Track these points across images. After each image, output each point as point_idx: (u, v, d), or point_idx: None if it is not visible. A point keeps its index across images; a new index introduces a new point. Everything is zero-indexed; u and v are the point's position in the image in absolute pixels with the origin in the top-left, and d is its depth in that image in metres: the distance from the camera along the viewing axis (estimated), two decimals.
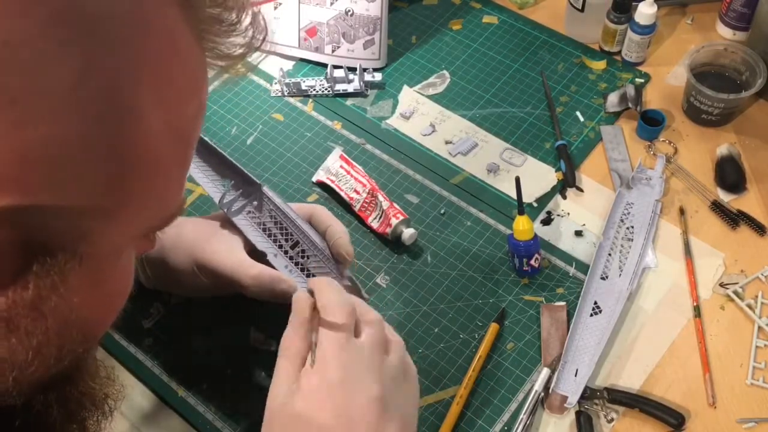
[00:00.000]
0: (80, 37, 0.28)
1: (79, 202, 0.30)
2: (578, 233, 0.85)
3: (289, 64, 1.04)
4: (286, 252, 0.71)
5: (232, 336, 0.78)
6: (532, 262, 0.79)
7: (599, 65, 0.99)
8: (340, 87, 0.98)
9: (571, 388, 0.72)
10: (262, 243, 0.71)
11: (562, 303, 0.79)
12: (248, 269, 0.69)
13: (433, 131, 0.95)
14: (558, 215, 0.86)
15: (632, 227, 0.84)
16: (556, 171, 0.90)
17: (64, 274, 0.32)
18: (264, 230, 0.72)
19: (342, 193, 0.87)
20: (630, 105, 0.93)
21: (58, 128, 0.28)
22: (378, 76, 0.99)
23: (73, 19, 0.28)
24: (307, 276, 0.71)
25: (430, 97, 0.98)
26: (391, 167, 0.91)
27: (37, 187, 0.29)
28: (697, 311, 0.78)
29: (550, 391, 0.73)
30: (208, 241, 0.72)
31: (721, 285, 0.80)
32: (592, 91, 0.97)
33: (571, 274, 0.81)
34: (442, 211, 0.87)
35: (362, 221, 0.86)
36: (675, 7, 1.05)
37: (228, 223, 0.73)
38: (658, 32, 0.98)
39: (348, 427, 0.53)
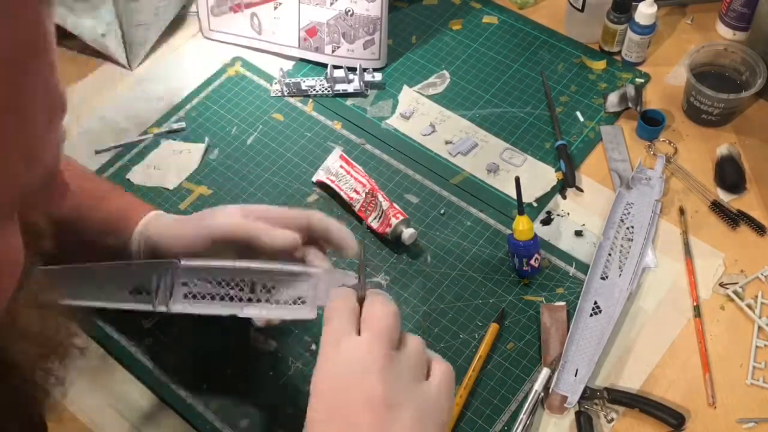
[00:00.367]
0: None
1: None
2: (578, 233, 0.85)
3: (289, 64, 1.04)
4: (249, 299, 0.65)
5: (232, 336, 0.78)
6: (532, 262, 0.79)
7: (599, 65, 0.99)
8: (340, 87, 0.98)
9: (571, 388, 0.72)
10: (221, 309, 0.64)
11: (562, 303, 0.79)
12: (256, 223, 0.67)
13: (433, 131, 0.95)
14: (558, 215, 0.86)
15: (632, 227, 0.84)
16: (556, 171, 0.90)
17: None
18: (212, 298, 0.64)
19: (342, 193, 0.87)
20: (630, 105, 0.93)
21: None
22: (378, 76, 0.99)
23: None
24: (293, 303, 0.67)
25: (430, 97, 0.98)
26: (391, 167, 0.91)
27: None
28: (697, 311, 0.78)
29: (550, 391, 0.73)
30: (206, 216, 0.70)
31: (721, 285, 0.80)
32: (592, 91, 0.97)
33: (571, 274, 0.81)
34: (442, 211, 0.87)
35: (362, 221, 0.86)
36: (675, 7, 1.05)
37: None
38: (658, 32, 0.98)
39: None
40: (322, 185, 0.90)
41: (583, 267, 0.81)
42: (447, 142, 0.93)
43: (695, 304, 0.78)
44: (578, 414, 0.71)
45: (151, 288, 0.62)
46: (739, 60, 0.92)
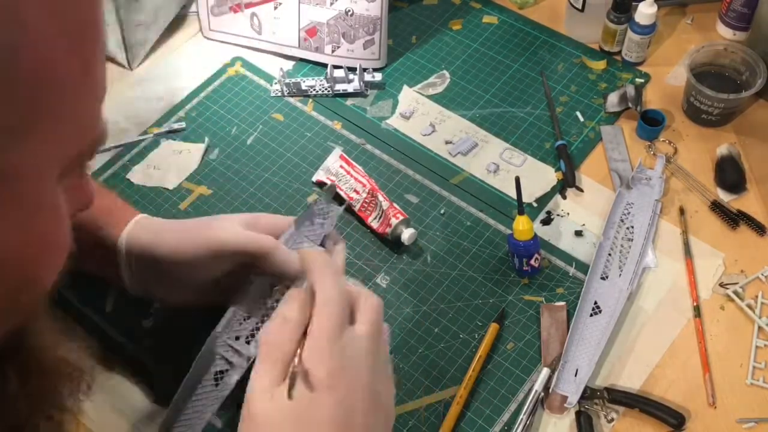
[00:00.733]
0: None
1: None
2: (578, 233, 0.85)
3: (289, 64, 1.04)
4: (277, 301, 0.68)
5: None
6: (532, 262, 0.79)
7: (599, 65, 0.99)
8: (340, 87, 0.98)
9: (571, 388, 0.72)
10: (238, 374, 0.67)
11: (562, 303, 0.79)
12: (263, 238, 0.66)
13: (433, 131, 0.95)
14: (558, 215, 0.86)
15: (632, 227, 0.84)
16: (556, 171, 0.90)
17: None
18: (261, 322, 0.68)
19: (342, 193, 0.87)
20: (630, 105, 0.93)
21: None
22: (378, 76, 0.99)
23: None
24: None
25: (430, 97, 0.98)
26: (391, 167, 0.91)
27: None
28: (697, 311, 0.78)
29: (550, 391, 0.73)
30: (211, 224, 0.70)
31: (721, 285, 0.80)
32: (592, 91, 0.97)
33: (571, 274, 0.81)
34: (442, 211, 0.87)
35: (362, 221, 0.86)
36: (675, 7, 1.05)
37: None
38: (658, 32, 0.98)
39: (345, 421, 0.51)
40: (322, 185, 0.90)
41: (583, 267, 0.81)
42: (447, 142, 0.93)
43: (695, 304, 0.78)
44: (578, 414, 0.71)
45: (221, 366, 0.66)
46: (739, 60, 0.92)
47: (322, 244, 0.69)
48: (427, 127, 0.95)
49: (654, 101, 0.95)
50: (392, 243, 0.84)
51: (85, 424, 0.74)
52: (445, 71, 1.01)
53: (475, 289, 0.81)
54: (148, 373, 0.76)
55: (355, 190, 0.86)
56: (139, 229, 0.72)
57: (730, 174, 0.87)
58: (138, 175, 0.93)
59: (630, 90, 0.94)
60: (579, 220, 0.86)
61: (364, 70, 0.99)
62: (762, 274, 0.80)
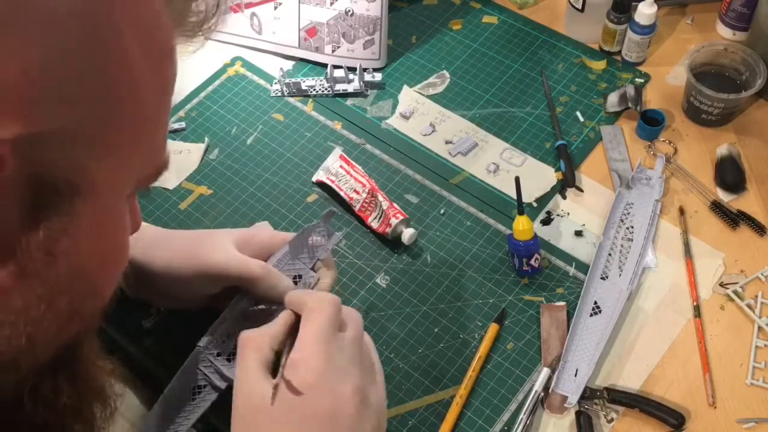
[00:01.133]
0: None
1: (75, 128, 0.33)
2: (578, 233, 0.85)
3: (289, 64, 1.04)
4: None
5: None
6: (532, 262, 0.79)
7: (599, 65, 0.99)
8: (340, 87, 0.98)
9: (571, 388, 0.72)
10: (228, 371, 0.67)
11: (562, 303, 0.79)
12: (252, 262, 0.67)
13: (433, 131, 0.95)
14: (558, 215, 0.86)
15: (632, 227, 0.84)
16: (556, 171, 0.90)
17: (71, 215, 0.34)
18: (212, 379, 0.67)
19: (342, 193, 0.87)
20: (630, 105, 0.93)
21: (49, 50, 0.31)
22: (378, 76, 0.99)
23: None
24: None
25: (430, 97, 0.98)
26: (391, 167, 0.91)
27: (39, 113, 0.31)
28: (697, 311, 0.78)
29: (550, 391, 0.73)
30: (203, 244, 0.70)
31: (721, 285, 0.80)
32: (592, 91, 0.97)
33: (571, 274, 0.81)
34: (442, 211, 0.87)
35: (362, 221, 0.86)
36: (675, 7, 1.05)
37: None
38: (658, 32, 0.98)
39: (332, 419, 0.53)
40: (322, 185, 0.90)
41: (583, 267, 0.81)
42: (447, 142, 0.93)
43: (695, 304, 0.78)
44: (578, 414, 0.71)
45: (201, 381, 0.66)
46: (739, 60, 0.92)
47: (313, 268, 0.69)
48: (427, 127, 0.95)
49: (654, 101, 0.95)
50: (392, 243, 0.84)
51: None
52: (445, 71, 1.01)
53: (475, 289, 0.81)
54: (148, 373, 0.76)
55: (355, 190, 0.86)
56: (134, 241, 0.72)
57: (730, 174, 0.87)
58: None
59: (630, 90, 0.94)
60: (579, 220, 0.86)
61: (364, 70, 0.99)
62: (762, 274, 0.80)
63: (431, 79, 1.00)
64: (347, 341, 0.56)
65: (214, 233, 0.73)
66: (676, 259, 0.82)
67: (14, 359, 0.35)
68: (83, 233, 0.35)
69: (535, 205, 0.87)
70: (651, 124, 0.91)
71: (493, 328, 0.77)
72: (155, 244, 0.72)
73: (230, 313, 0.68)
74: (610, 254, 0.82)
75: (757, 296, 0.78)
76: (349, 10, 0.98)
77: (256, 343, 0.57)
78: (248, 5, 1.03)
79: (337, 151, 0.91)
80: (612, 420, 0.72)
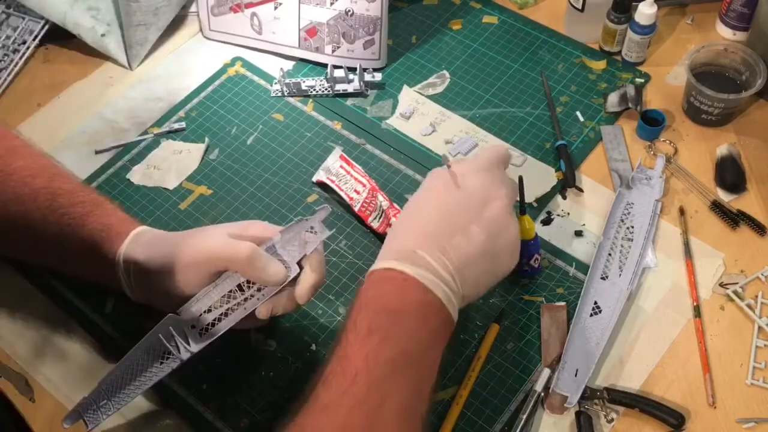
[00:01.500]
0: None
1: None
2: (578, 233, 0.85)
3: (289, 64, 1.04)
4: (245, 299, 0.69)
5: (232, 336, 0.78)
6: (532, 262, 0.79)
7: (599, 65, 0.99)
8: (340, 87, 0.98)
9: (571, 387, 0.72)
10: (229, 323, 0.69)
11: (562, 303, 0.79)
12: (240, 243, 0.68)
13: (433, 131, 0.95)
14: (558, 215, 0.86)
15: (632, 227, 0.84)
16: (556, 171, 0.90)
17: None
18: (218, 320, 0.70)
19: (342, 193, 0.87)
20: (630, 105, 0.93)
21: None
22: (378, 76, 0.99)
23: None
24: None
25: (430, 97, 0.98)
26: (391, 167, 0.91)
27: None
28: (697, 311, 0.78)
29: (550, 390, 0.73)
30: (195, 236, 0.71)
31: (721, 285, 0.80)
32: (592, 91, 0.97)
33: (571, 274, 0.81)
34: None
35: (362, 221, 0.86)
36: (675, 7, 1.05)
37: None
38: (658, 32, 0.98)
39: (484, 206, 0.68)
40: (322, 185, 0.90)
41: (583, 267, 0.81)
42: (447, 142, 0.93)
43: (695, 304, 0.78)
44: (578, 414, 0.71)
45: (167, 348, 0.68)
46: (739, 60, 0.92)
47: (300, 263, 0.70)
48: (427, 127, 0.95)
49: (654, 101, 0.95)
50: None
51: None
52: (445, 71, 1.01)
53: None
54: None
55: (355, 190, 0.86)
56: (134, 244, 0.73)
57: (730, 174, 0.87)
58: (138, 175, 0.93)
59: (630, 90, 0.94)
60: (579, 220, 0.86)
61: (364, 70, 0.99)
62: (762, 274, 0.80)
63: (431, 79, 1.00)
64: (508, 181, 0.72)
65: (210, 226, 0.74)
66: (676, 259, 0.82)
67: None
68: None
69: (535, 205, 0.87)
70: (651, 124, 0.91)
71: (493, 328, 0.77)
72: (152, 244, 0.72)
73: (214, 288, 0.69)
74: (610, 254, 0.82)
75: (757, 296, 0.78)
76: (349, 10, 0.98)
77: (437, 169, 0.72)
78: (248, 5, 1.03)
79: (337, 151, 0.91)
80: (612, 420, 0.72)
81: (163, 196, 0.90)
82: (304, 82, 0.99)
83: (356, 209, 0.86)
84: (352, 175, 0.87)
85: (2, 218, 0.75)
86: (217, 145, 0.95)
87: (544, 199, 0.87)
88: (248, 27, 1.04)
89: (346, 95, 0.99)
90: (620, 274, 0.80)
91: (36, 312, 0.82)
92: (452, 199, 0.68)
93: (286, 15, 1.01)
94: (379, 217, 0.84)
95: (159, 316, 0.68)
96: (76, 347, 0.80)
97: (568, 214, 0.86)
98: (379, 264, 0.65)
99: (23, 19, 1.08)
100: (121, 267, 0.73)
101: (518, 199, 0.76)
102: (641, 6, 0.93)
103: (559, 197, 0.88)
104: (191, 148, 0.95)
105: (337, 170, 0.89)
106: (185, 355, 0.68)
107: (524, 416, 0.71)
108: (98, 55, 1.06)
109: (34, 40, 1.07)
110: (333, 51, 1.01)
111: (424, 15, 1.08)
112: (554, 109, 0.95)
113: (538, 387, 0.73)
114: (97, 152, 0.96)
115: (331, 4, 0.98)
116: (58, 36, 1.07)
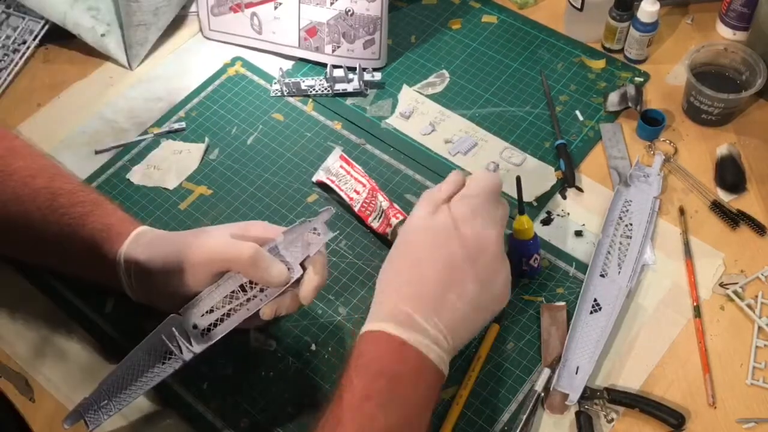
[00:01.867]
0: None
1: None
2: (578, 233, 0.85)
3: (288, 64, 1.04)
4: (248, 300, 0.69)
5: (233, 336, 0.78)
6: (532, 262, 0.79)
7: (599, 64, 0.99)
8: (339, 87, 0.98)
9: (571, 385, 0.72)
10: (232, 324, 0.69)
11: (562, 303, 0.79)
12: (243, 244, 0.67)
13: (432, 131, 0.95)
14: (558, 215, 0.86)
15: (631, 224, 0.84)
16: (555, 170, 0.90)
17: None
18: (220, 321, 0.69)
19: (342, 193, 0.87)
20: (630, 104, 0.93)
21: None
22: (378, 76, 0.99)
23: None
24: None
25: (429, 96, 0.98)
26: (391, 167, 0.91)
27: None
28: (697, 311, 0.78)
29: (551, 390, 0.73)
30: (197, 236, 0.71)
31: (721, 285, 0.80)
32: (592, 90, 0.97)
33: (571, 274, 0.81)
34: None
35: (362, 221, 0.86)
36: (675, 7, 1.05)
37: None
38: (659, 32, 0.98)
39: (476, 249, 0.67)
40: (322, 185, 0.90)
41: (583, 267, 0.81)
42: (447, 142, 0.93)
43: (695, 304, 0.78)
44: (578, 414, 0.71)
45: (170, 348, 0.68)
46: (739, 60, 0.92)
47: (303, 264, 0.70)
48: (426, 127, 0.95)
49: (654, 101, 0.95)
50: (392, 243, 0.84)
51: None
52: (444, 71, 1.01)
53: None
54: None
55: (355, 190, 0.86)
56: (135, 244, 0.73)
57: (730, 174, 0.87)
58: (138, 175, 0.93)
59: (630, 89, 0.94)
60: (579, 219, 0.86)
61: (364, 69, 0.99)
62: (762, 274, 0.80)
63: (431, 79, 1.00)
64: (500, 213, 0.71)
65: (213, 227, 0.73)
66: (676, 259, 0.82)
67: None
68: None
69: (535, 204, 0.87)
70: (651, 124, 0.91)
71: (493, 328, 0.77)
72: (154, 244, 0.72)
73: (217, 289, 0.69)
74: (609, 252, 0.82)
75: (757, 296, 0.78)
76: (349, 10, 0.98)
77: (430, 194, 0.72)
78: (248, 5, 1.03)
79: (337, 151, 0.91)
80: (612, 420, 0.72)
81: (163, 196, 0.90)
82: (303, 81, 0.99)
83: (356, 209, 0.86)
84: (351, 175, 0.87)
85: (2, 218, 0.75)
86: (217, 145, 0.95)
87: (544, 198, 0.87)
88: (248, 27, 1.04)
89: (345, 95, 0.99)
90: (619, 272, 0.80)
91: (36, 312, 0.82)
92: (446, 254, 0.67)
93: (286, 15, 1.01)
94: (379, 217, 0.84)
95: (159, 316, 0.69)
96: (76, 347, 0.80)
97: (568, 214, 0.86)
98: (375, 325, 0.64)
99: (23, 19, 1.08)
100: (122, 267, 0.73)
101: (518, 199, 0.77)
102: (644, 4, 0.93)
103: (559, 197, 0.88)
104: (191, 148, 0.95)
105: (337, 170, 0.89)
106: (188, 356, 0.68)
107: (524, 416, 0.71)
108: (98, 55, 1.06)
109: (34, 40, 1.07)
110: (333, 51, 1.01)
111: (424, 14, 1.08)
112: (554, 108, 0.95)
113: (538, 387, 0.73)
114: (97, 152, 0.96)
115: (331, 3, 0.98)
116: (58, 36, 1.07)
